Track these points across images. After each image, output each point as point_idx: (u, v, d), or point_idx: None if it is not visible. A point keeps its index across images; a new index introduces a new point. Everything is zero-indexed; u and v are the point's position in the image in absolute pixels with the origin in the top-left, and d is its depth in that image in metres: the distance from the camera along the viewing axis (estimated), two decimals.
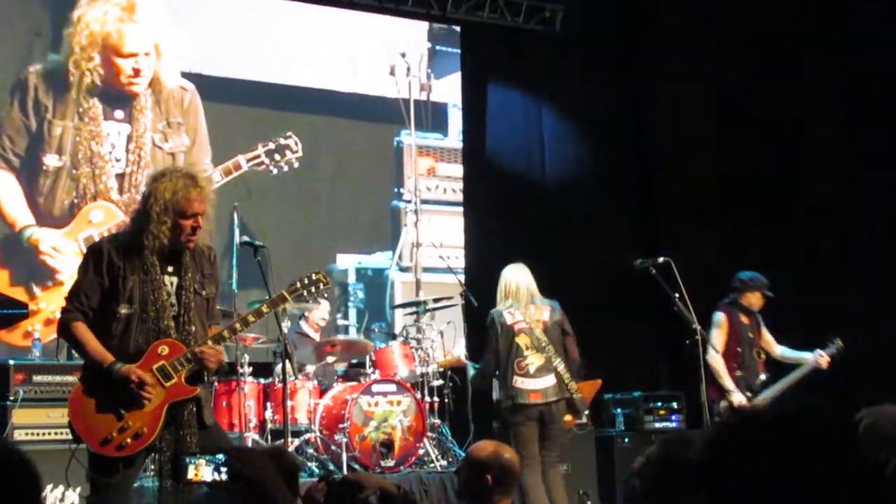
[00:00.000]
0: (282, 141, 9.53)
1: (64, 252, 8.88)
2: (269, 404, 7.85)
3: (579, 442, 8.77)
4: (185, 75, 9.66)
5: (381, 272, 10.44)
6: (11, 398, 7.19)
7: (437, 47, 11.08)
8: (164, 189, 4.65)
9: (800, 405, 1.63)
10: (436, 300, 8.83)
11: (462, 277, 9.62)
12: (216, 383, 7.85)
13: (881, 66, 9.41)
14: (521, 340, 6.89)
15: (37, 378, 7.31)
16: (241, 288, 8.15)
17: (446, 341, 8.77)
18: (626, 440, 9.05)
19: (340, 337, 9.30)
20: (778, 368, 7.96)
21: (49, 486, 6.32)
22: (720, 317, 7.80)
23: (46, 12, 9.34)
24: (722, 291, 7.96)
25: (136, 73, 9.36)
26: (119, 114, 9.32)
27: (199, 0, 10.03)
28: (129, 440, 4.59)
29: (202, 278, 4.82)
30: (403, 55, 10.60)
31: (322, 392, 8.13)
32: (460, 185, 10.96)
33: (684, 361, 7.59)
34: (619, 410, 9.34)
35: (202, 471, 2.93)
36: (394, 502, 3.30)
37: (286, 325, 8.06)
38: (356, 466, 7.63)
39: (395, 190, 10.71)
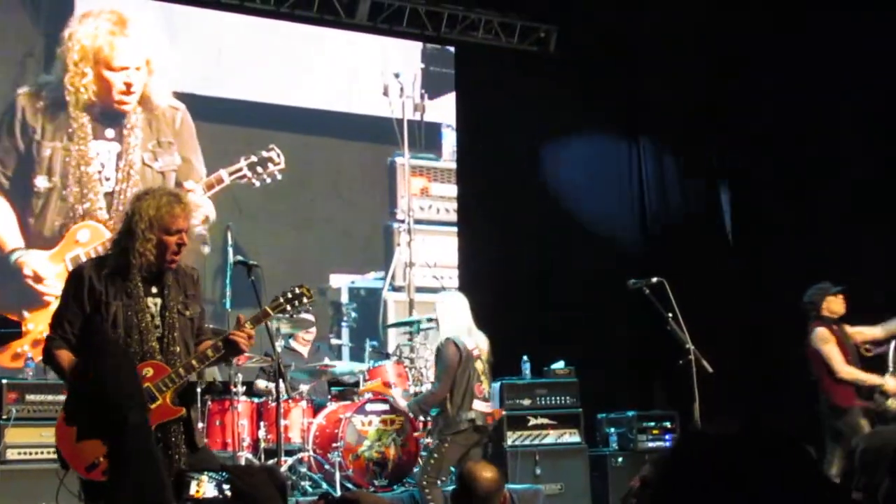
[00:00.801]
0: (264, 154, 9.58)
1: (45, 276, 8.91)
2: (262, 423, 7.84)
3: (573, 461, 8.79)
4: (178, 95, 9.68)
5: (375, 292, 10.44)
6: (4, 417, 7.18)
7: (431, 68, 11.11)
8: (148, 206, 4.65)
9: (744, 425, 1.63)
10: (429, 320, 8.82)
11: None
12: (209, 403, 7.84)
13: None
14: (478, 366, 7.23)
15: (30, 397, 7.30)
16: (235, 307, 8.14)
17: None
18: (620, 459, 9.05)
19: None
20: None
21: None
22: (822, 332, 7.72)
23: (39, 32, 9.37)
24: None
25: (128, 87, 9.38)
26: (110, 132, 9.33)
27: (192, 20, 10.04)
28: None
29: (185, 298, 4.80)
30: (397, 75, 10.62)
31: (315, 411, 8.11)
32: (454, 204, 10.98)
33: (678, 381, 7.61)
34: (612, 430, 9.34)
35: (204, 487, 2.93)
36: None
37: (279, 343, 8.05)
38: (350, 486, 7.62)
39: (389, 210, 10.73)
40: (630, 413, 9.36)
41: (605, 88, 11.44)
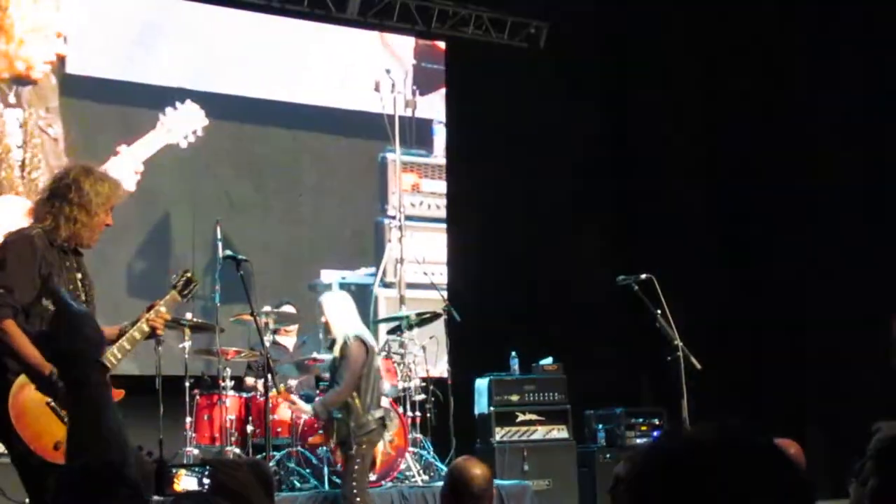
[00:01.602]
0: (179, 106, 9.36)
1: None
2: (250, 418, 7.83)
3: (561, 457, 8.80)
4: (167, 90, 9.59)
5: (365, 287, 10.43)
6: None
7: (423, 64, 11.10)
8: (103, 185, 4.77)
9: (716, 427, 1.63)
10: (419, 315, 8.84)
11: (445, 293, 9.63)
12: (198, 397, 7.83)
13: None
14: (380, 364, 7.38)
15: None
16: (225, 302, 8.13)
17: (429, 356, 8.78)
18: (608, 456, 9.05)
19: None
20: None
21: None
22: None
23: None
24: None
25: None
26: (12, 98, 8.93)
27: (183, 16, 10.01)
28: None
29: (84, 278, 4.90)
30: (388, 71, 10.60)
31: None
32: (444, 201, 10.98)
33: (666, 377, 7.63)
34: (600, 426, 9.36)
35: (184, 481, 2.94)
36: None
37: (268, 338, 8.05)
38: (338, 481, 7.61)
39: (380, 206, 10.72)
40: (618, 409, 9.38)
41: (594, 85, 11.45)
